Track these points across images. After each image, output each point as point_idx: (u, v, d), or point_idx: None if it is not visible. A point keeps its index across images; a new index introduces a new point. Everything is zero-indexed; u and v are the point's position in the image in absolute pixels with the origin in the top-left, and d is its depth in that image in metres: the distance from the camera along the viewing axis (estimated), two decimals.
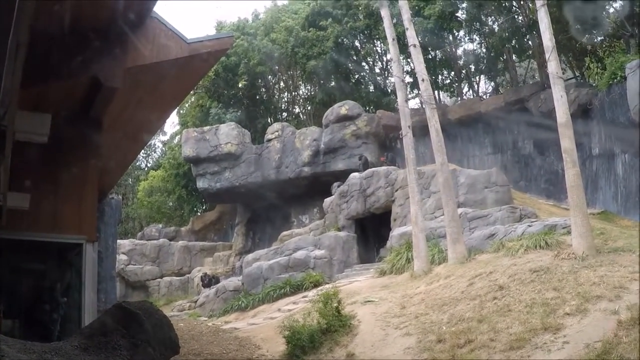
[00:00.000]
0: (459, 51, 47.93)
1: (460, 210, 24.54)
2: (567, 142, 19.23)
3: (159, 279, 42.95)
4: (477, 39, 46.35)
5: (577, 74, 39.53)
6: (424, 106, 26.42)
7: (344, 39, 48.60)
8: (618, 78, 29.74)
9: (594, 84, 34.63)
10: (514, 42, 41.22)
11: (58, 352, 4.45)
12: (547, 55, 20.42)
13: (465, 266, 20.44)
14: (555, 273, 16.61)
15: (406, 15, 25.40)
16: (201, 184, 46.12)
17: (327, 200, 36.50)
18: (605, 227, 23.20)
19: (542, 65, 35.19)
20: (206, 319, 28.84)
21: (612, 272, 15.62)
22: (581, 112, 32.55)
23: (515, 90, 39.34)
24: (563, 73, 24.14)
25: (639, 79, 25.68)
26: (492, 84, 50.00)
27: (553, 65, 19.98)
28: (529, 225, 22.19)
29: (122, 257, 40.90)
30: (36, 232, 13.14)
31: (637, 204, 28.32)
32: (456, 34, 45.48)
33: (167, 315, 6.97)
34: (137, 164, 64.01)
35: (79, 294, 13.86)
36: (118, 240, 28.33)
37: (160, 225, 52.33)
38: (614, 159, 30.89)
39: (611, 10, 35.25)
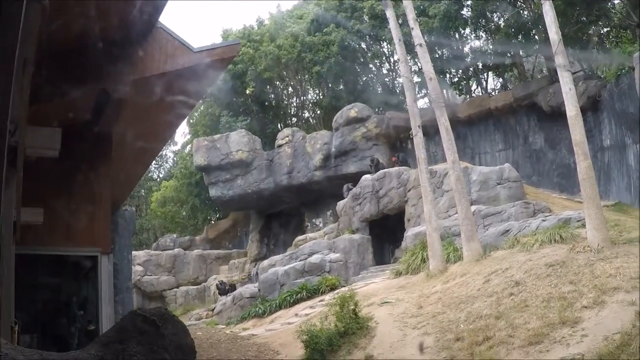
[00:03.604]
0: (466, 49, 47.82)
1: (473, 207, 24.52)
2: (577, 134, 19.19)
3: (175, 289, 43.01)
4: (484, 35, 46.26)
5: (585, 66, 39.37)
6: (433, 105, 26.36)
7: (350, 42, 48.52)
8: (626, 69, 29.64)
9: (602, 76, 34.51)
10: (520, 37, 41.08)
11: None
12: (553, 49, 20.38)
13: (480, 263, 20.40)
14: (571, 266, 16.57)
15: (411, 15, 25.39)
16: (214, 192, 46.18)
17: (340, 203, 36.48)
18: (619, 218, 23.13)
19: (550, 59, 35.08)
20: (224, 326, 28.82)
21: (628, 263, 15.57)
22: (591, 105, 32.46)
23: (524, 86, 39.23)
24: (570, 66, 24.09)
25: None
26: (500, 80, 49.81)
27: (560, 59, 19.95)
28: (543, 220, 22.15)
29: (137, 268, 40.92)
30: (51, 247, 13.20)
31: None
32: (462, 31, 45.40)
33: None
34: (149, 174, 64.11)
35: (96, 306, 13.91)
36: (133, 252, 28.40)
37: (175, 235, 52.39)
38: (626, 149, 30.76)
39: (616, 0, 35.13)
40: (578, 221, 20.76)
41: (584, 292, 14.65)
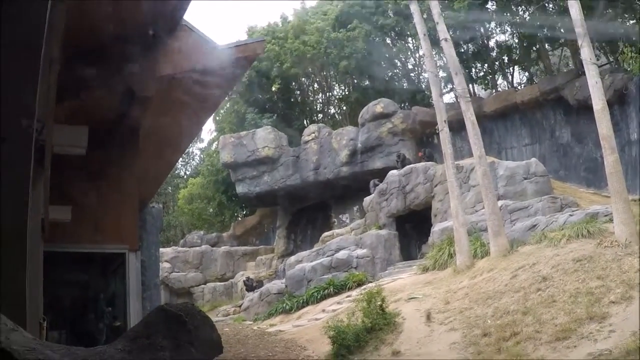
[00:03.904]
0: (491, 43, 47.69)
1: (500, 202, 24.45)
2: (604, 128, 19.09)
3: (202, 285, 43.12)
4: (509, 29, 46.09)
5: (611, 60, 39.14)
6: (458, 100, 26.29)
7: (375, 37, 48.52)
8: None
9: (628, 69, 34.31)
10: (545, 30, 40.89)
11: (102, 356, 4.49)
12: (579, 42, 20.29)
13: (507, 259, 20.35)
14: (598, 261, 16.50)
15: (436, 9, 25.35)
16: (240, 189, 46.31)
17: (367, 199, 36.52)
18: None
19: (576, 52, 34.90)
20: (251, 322, 28.94)
21: None
22: (617, 98, 32.31)
23: (550, 79, 39.05)
24: (597, 59, 23.97)
25: None
26: (526, 74, 49.64)
27: (586, 52, 19.85)
28: (570, 215, 22.03)
29: (165, 265, 41.16)
30: (79, 244, 13.30)
31: None
32: (487, 25, 45.26)
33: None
34: (176, 172, 64.39)
35: (124, 302, 14.00)
36: (160, 249, 28.54)
37: (202, 232, 52.60)
38: None
39: None
40: (605, 216, 20.64)
41: (612, 288, 14.59)
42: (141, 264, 15.03)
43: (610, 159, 18.86)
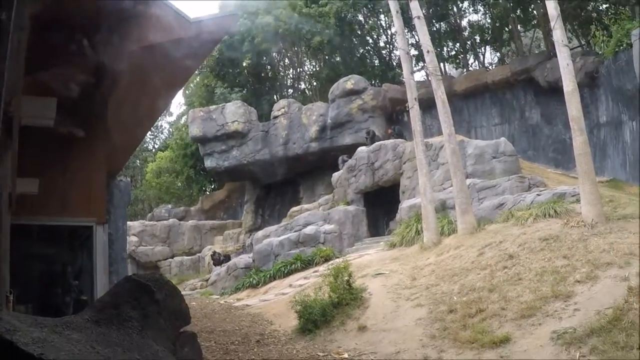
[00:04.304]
0: (464, 22, 47.87)
1: (468, 181, 24.53)
2: (574, 110, 19.21)
3: (170, 259, 43.08)
4: (482, 9, 46.22)
5: (583, 42, 39.37)
6: (429, 78, 26.37)
7: (347, 14, 48.33)
8: (624, 45, 29.65)
9: (600, 52, 34.55)
10: (518, 11, 41.02)
11: (69, 326, 4.47)
12: (552, 24, 20.36)
13: (474, 236, 20.48)
14: (564, 241, 16.64)
15: None
16: (209, 163, 46.07)
17: (336, 174, 36.51)
18: (614, 194, 23.21)
19: (548, 34, 35.03)
20: (218, 296, 28.92)
21: (622, 239, 15.65)
22: (588, 80, 32.56)
23: (521, 60, 39.25)
24: (569, 42, 24.09)
25: None
26: (498, 54, 49.90)
27: (558, 34, 19.91)
28: (538, 194, 22.20)
29: (132, 239, 41.10)
30: (46, 217, 13.17)
31: None
32: (460, 5, 45.36)
33: None
34: (145, 145, 64.10)
35: (91, 276, 13.92)
36: (128, 222, 28.37)
37: (170, 206, 52.42)
38: (622, 126, 30.89)
39: None
40: (573, 196, 20.84)
41: (577, 267, 14.72)
42: (108, 238, 14.93)
43: (579, 141, 18.99)
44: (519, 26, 43.26)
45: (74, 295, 14.70)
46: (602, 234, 16.42)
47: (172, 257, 43.45)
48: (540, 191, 22.85)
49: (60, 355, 3.69)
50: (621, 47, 30.09)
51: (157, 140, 69.06)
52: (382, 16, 50.18)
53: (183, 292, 25.60)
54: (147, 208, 58.31)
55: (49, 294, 14.94)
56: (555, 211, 19.56)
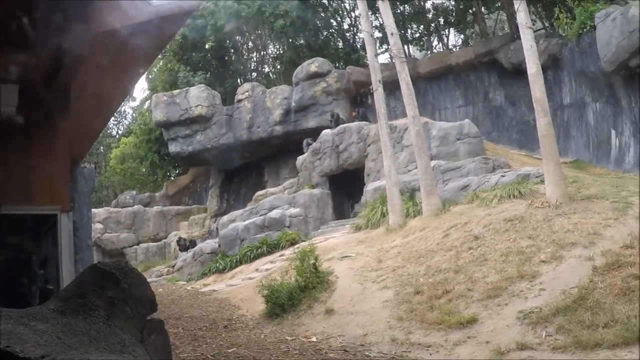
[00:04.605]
0: (428, 4, 47.88)
1: (433, 162, 24.61)
2: (537, 91, 19.29)
3: (135, 246, 42.77)
4: None
5: (547, 25, 39.57)
6: (393, 61, 26.35)
7: None
8: (588, 27, 29.85)
9: (563, 34, 34.77)
10: None
11: (35, 317, 4.40)
12: (516, 6, 20.43)
13: (440, 218, 20.55)
14: (529, 222, 16.78)
15: None
16: (173, 148, 45.67)
17: (300, 158, 36.45)
18: (577, 175, 23.43)
19: (512, 16, 35.15)
20: (185, 282, 28.77)
21: (586, 219, 15.81)
22: (551, 62, 32.79)
23: (485, 42, 39.35)
24: (533, 24, 24.19)
25: (609, 28, 25.84)
26: (462, 36, 50.06)
27: (522, 16, 19.96)
28: (502, 176, 22.32)
29: (97, 226, 40.73)
30: (9, 205, 13.00)
31: (608, 151, 28.61)
32: None
33: None
34: (108, 131, 63.47)
35: (56, 265, 13.77)
36: (93, 209, 28.12)
37: (134, 192, 52.02)
38: (585, 108, 31.18)
39: None
40: (537, 177, 20.97)
41: (542, 247, 14.84)
42: (73, 225, 14.78)
43: (543, 122, 19.10)
44: (482, 8, 43.34)
45: (40, 284, 14.56)
46: (567, 214, 16.56)
47: (138, 243, 43.13)
48: (505, 172, 22.98)
49: (27, 347, 3.63)
50: (585, 30, 30.29)
51: (120, 126, 68.53)
52: None
53: (149, 279, 25.49)
54: (111, 195, 57.86)
55: (13, 284, 14.79)
56: (519, 192, 19.67)
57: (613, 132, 28.74)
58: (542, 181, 19.46)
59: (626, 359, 9.48)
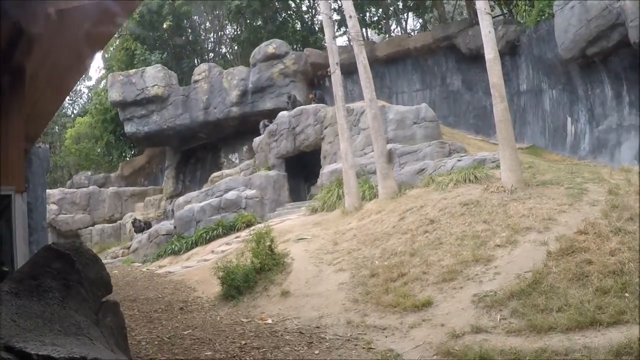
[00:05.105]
0: None
1: (389, 146, 24.65)
2: (495, 77, 19.39)
3: (90, 227, 42.45)
4: None
5: (505, 11, 39.80)
6: (352, 43, 26.36)
7: None
8: (546, 15, 30.14)
9: (522, 21, 35.04)
10: None
11: None
12: None
13: (396, 201, 20.63)
14: (485, 206, 16.90)
15: None
16: (129, 128, 45.30)
17: (257, 139, 36.38)
18: (533, 161, 23.67)
19: (471, 2, 35.30)
20: (140, 264, 28.61)
21: (541, 205, 15.95)
22: (509, 49, 33.08)
23: (443, 27, 39.44)
24: (491, 10, 24.31)
25: (567, 16, 26.05)
26: (420, 21, 50.16)
27: (481, 2, 20.05)
28: (459, 160, 22.43)
29: (52, 207, 40.40)
30: None
31: (564, 138, 28.92)
32: None
33: None
34: (63, 110, 62.88)
35: (10, 247, 13.60)
36: (47, 190, 27.81)
37: (89, 173, 51.53)
38: (542, 94, 31.53)
39: None
40: (493, 162, 21.13)
41: (497, 232, 14.96)
42: (27, 206, 14.59)
43: (500, 107, 19.21)
44: None
45: None
46: (522, 199, 16.71)
47: (93, 225, 42.84)
48: (461, 157, 23.10)
49: None
50: (543, 17, 30.65)
51: (75, 106, 67.85)
52: None
53: (104, 261, 25.28)
54: (66, 175, 57.35)
55: None
56: (475, 177, 19.83)
57: (569, 119, 29.08)
58: (498, 166, 19.59)
59: (579, 342, 9.59)
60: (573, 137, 28.57)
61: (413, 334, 11.72)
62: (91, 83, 66.30)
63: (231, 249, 22.86)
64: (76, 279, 5.12)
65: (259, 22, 50.24)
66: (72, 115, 64.97)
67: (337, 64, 24.70)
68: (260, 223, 25.24)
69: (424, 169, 23.00)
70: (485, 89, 26.98)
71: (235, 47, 54.02)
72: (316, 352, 11.61)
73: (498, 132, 19.55)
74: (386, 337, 11.90)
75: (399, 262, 15.18)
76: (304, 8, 52.70)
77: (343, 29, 45.21)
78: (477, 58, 32.60)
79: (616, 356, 8.96)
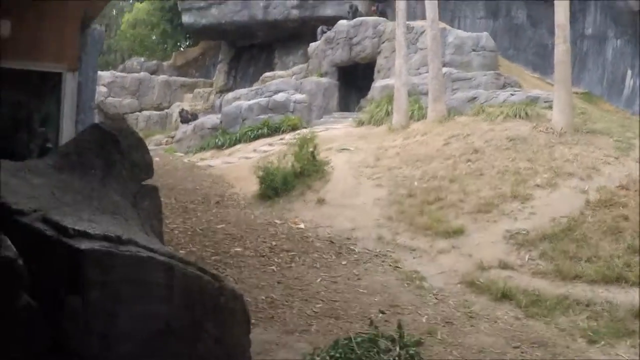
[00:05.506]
0: None
1: (445, 69, 24.40)
2: (561, 17, 19.02)
3: (137, 113, 42.61)
4: None
5: None
6: None
7: None
8: None
9: None
10: None
11: (31, 170, 4.43)
12: None
13: (443, 125, 20.52)
14: (531, 144, 16.81)
15: None
16: (187, 18, 45.03)
17: (313, 45, 36.06)
18: (586, 107, 23.33)
19: None
20: (182, 154, 28.76)
21: (587, 152, 15.86)
22: None
23: None
24: None
25: None
26: None
27: None
28: (512, 94, 22.24)
29: (102, 89, 40.39)
30: (16, 60, 12.89)
31: (621, 90, 28.46)
32: None
33: None
34: None
35: (57, 124, 13.76)
36: (99, 72, 27.91)
37: (142, 59, 51.41)
38: (606, 42, 30.90)
39: None
40: (546, 102, 20.86)
41: (539, 172, 14.91)
42: (78, 86, 14.71)
43: (561, 48, 18.90)
44: None
45: (39, 142, 14.57)
46: (569, 143, 16.59)
47: (140, 111, 42.98)
48: (515, 91, 22.89)
49: (18, 198, 3.66)
50: None
51: None
52: None
53: (148, 147, 25.65)
54: (119, 59, 57.27)
55: (12, 140, 14.81)
56: (526, 113, 19.62)
57: (629, 72, 28.58)
58: (551, 107, 19.37)
59: (602, 296, 9.64)
60: (630, 90, 28.15)
61: (441, 259, 11.84)
62: None
63: (274, 150, 22.91)
64: (119, 159, 5.20)
65: None
66: (131, 0, 64.77)
67: None
68: (305, 128, 25.27)
69: (475, 98, 22.82)
70: (550, 28, 26.37)
71: None
72: (343, 262, 11.78)
73: (556, 72, 19.30)
74: (414, 258, 12.03)
75: (438, 187, 15.22)
76: None
77: None
78: None
79: (636, 317, 8.99)
